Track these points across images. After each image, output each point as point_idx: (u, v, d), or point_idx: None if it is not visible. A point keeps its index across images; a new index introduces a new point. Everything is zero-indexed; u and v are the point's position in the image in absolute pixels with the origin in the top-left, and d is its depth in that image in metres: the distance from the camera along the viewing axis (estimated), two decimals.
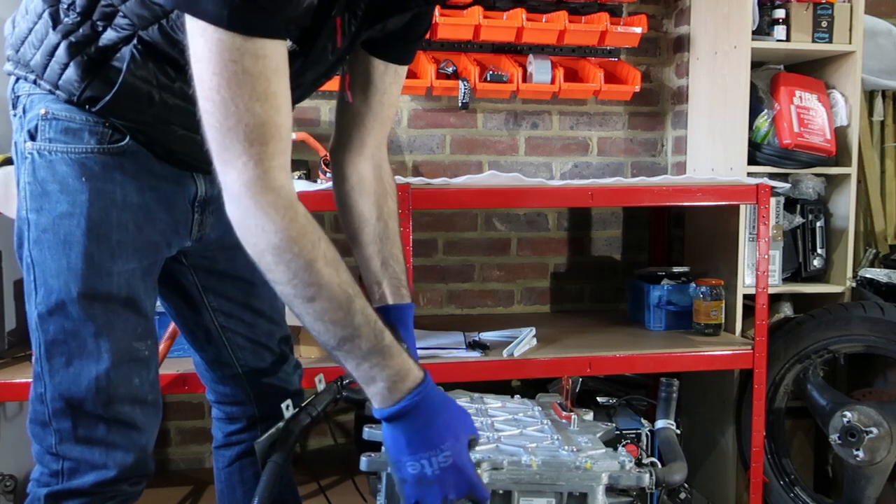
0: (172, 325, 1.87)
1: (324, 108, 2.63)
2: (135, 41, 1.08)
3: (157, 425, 1.25)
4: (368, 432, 1.20)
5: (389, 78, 1.31)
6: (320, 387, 1.21)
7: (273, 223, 0.95)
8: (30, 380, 1.83)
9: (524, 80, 2.57)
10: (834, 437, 2.21)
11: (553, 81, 2.56)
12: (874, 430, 2.14)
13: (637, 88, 2.61)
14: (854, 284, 2.49)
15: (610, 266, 2.87)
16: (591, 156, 2.83)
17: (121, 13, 1.08)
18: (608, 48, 2.68)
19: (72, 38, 1.10)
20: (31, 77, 1.15)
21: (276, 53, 0.95)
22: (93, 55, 1.10)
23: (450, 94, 2.60)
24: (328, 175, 1.81)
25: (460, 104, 2.51)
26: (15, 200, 1.83)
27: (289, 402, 1.17)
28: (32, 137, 1.14)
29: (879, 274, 2.49)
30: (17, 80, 1.18)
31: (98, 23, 1.09)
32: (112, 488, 1.17)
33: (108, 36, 1.09)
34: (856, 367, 2.50)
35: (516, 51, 2.63)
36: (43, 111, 1.13)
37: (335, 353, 1.01)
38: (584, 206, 2.76)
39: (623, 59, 2.74)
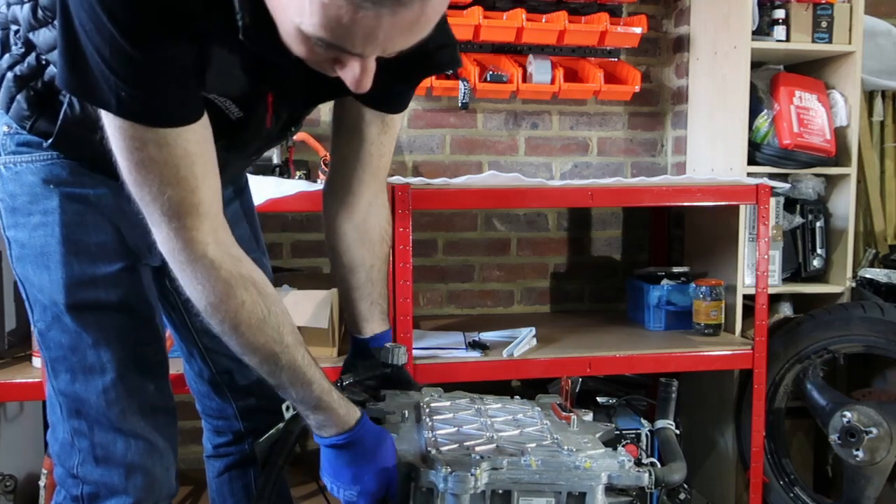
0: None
1: (324, 109, 2.63)
2: None
3: (177, 435, 1.23)
4: None
5: (376, 128, 1.24)
6: (287, 414, 1.21)
7: (196, 290, 0.99)
8: (30, 380, 1.86)
9: (524, 81, 2.57)
10: (834, 438, 2.21)
11: (553, 81, 2.56)
12: (874, 430, 2.14)
13: (637, 88, 2.61)
14: (854, 284, 2.49)
15: (610, 266, 2.87)
16: (591, 156, 2.83)
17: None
18: (608, 48, 2.68)
19: (16, 71, 1.06)
20: None
21: (181, 140, 0.93)
22: (39, 90, 1.06)
23: (450, 94, 2.60)
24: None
25: (460, 104, 2.51)
26: None
27: (288, 402, 1.17)
28: None
29: (879, 274, 2.49)
30: None
31: (42, 56, 1.05)
32: None
33: (51, 71, 1.05)
34: (855, 367, 2.50)
35: (516, 51, 2.63)
36: (5, 128, 1.10)
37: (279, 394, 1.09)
38: (584, 206, 2.76)
39: (623, 60, 2.74)
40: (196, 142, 0.95)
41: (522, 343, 2.14)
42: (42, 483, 1.85)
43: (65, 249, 1.10)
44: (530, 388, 2.46)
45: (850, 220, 2.49)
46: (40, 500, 1.88)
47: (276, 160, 2.27)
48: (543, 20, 2.57)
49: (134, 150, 0.92)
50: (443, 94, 2.65)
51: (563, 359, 2.11)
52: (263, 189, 1.89)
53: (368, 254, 1.33)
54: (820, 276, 2.57)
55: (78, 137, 1.07)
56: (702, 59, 2.64)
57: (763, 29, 2.42)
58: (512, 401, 1.41)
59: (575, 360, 2.11)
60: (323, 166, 2.25)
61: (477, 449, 1.11)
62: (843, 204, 2.52)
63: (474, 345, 2.15)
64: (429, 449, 1.09)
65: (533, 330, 2.25)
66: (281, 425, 1.14)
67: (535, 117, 2.77)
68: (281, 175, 2.28)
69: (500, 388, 1.66)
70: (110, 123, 0.92)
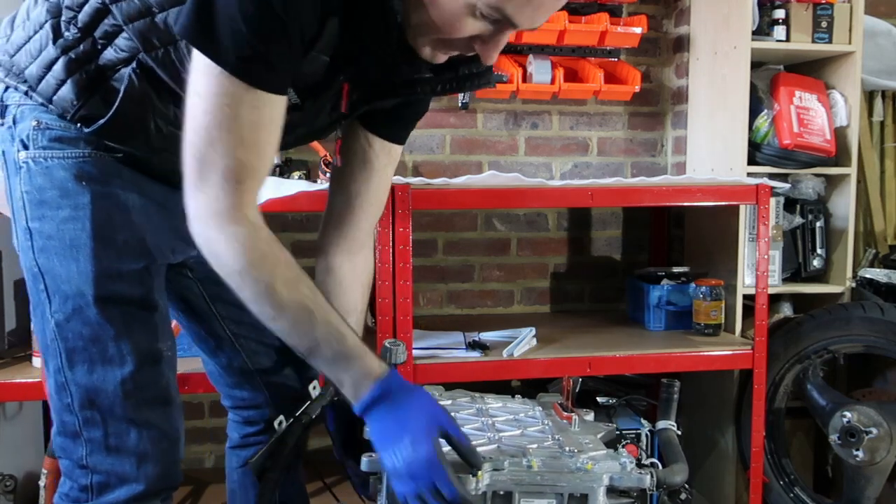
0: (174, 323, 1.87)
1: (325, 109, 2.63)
2: (134, 64, 1.07)
3: (183, 428, 1.24)
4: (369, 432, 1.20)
5: (384, 158, 1.31)
6: (314, 393, 1.21)
7: (234, 250, 1.00)
8: (30, 380, 1.85)
9: (524, 81, 2.57)
10: (834, 438, 2.21)
11: (553, 81, 2.56)
12: (874, 430, 2.14)
13: (637, 88, 2.61)
14: (854, 284, 2.50)
15: (610, 266, 2.87)
16: (591, 156, 2.83)
17: (125, 34, 1.06)
18: (608, 48, 2.68)
19: (71, 55, 1.08)
20: (23, 88, 1.12)
21: (272, 107, 0.98)
22: (91, 73, 1.08)
23: (449, 94, 2.60)
24: (327, 175, 1.81)
25: (460, 104, 2.51)
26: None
27: (315, 383, 1.22)
28: (25, 147, 1.12)
29: (879, 274, 2.49)
30: (7, 88, 1.15)
31: (99, 41, 1.08)
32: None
33: (108, 55, 1.08)
34: (855, 367, 2.51)
35: (516, 51, 2.63)
36: (35, 122, 1.12)
37: (308, 360, 1.07)
38: (584, 206, 2.76)
39: (623, 60, 2.74)
40: (278, 112, 1.00)
41: (522, 343, 2.14)
42: (42, 483, 1.85)
43: (94, 243, 1.12)
44: (530, 388, 2.46)
45: (850, 220, 2.50)
46: (40, 500, 1.88)
47: (276, 160, 2.27)
48: None
49: (224, 107, 0.95)
50: None
51: (563, 359, 2.11)
52: (263, 189, 1.88)
53: (361, 299, 1.36)
54: (820, 276, 2.57)
55: (131, 121, 1.09)
56: (702, 59, 2.63)
57: (763, 29, 2.42)
58: (513, 400, 1.41)
59: (575, 360, 2.11)
60: (323, 166, 2.25)
61: (478, 450, 1.11)
62: (843, 204, 2.52)
63: (474, 345, 2.15)
64: None
65: (533, 330, 2.25)
66: (274, 438, 1.15)
67: (535, 117, 2.77)
68: (282, 175, 2.28)
69: (500, 388, 1.65)
70: (209, 80, 0.94)
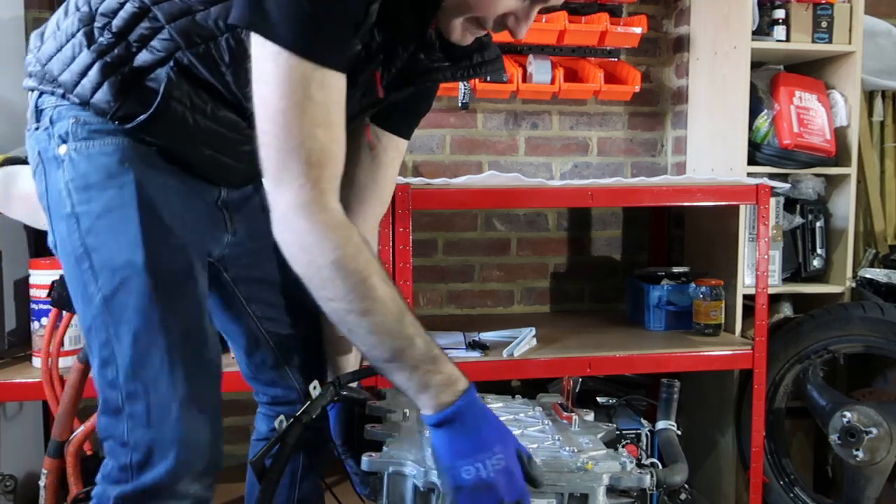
0: None
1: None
2: (172, 63, 1.08)
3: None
4: (369, 432, 1.20)
5: (392, 153, 1.33)
6: (314, 393, 1.21)
7: (331, 241, 0.98)
8: (30, 380, 1.85)
9: (524, 81, 2.57)
10: (834, 438, 2.21)
11: (553, 81, 2.56)
12: (874, 430, 2.14)
13: (637, 89, 2.61)
14: (854, 284, 2.50)
15: (610, 266, 2.87)
16: (591, 156, 2.83)
17: (161, 35, 1.08)
18: (608, 48, 2.68)
19: (107, 59, 1.10)
20: (59, 91, 1.14)
21: (339, 85, 0.99)
22: (127, 75, 1.10)
23: (450, 94, 2.60)
24: None
25: (460, 104, 2.51)
26: (15, 200, 1.83)
27: (316, 381, 1.20)
28: (64, 141, 1.14)
29: (879, 274, 2.49)
30: (41, 94, 1.17)
31: (133, 44, 1.10)
32: (183, 486, 1.13)
33: (143, 57, 1.10)
34: (855, 367, 2.51)
35: (516, 51, 2.63)
36: (74, 119, 1.13)
37: (389, 367, 1.03)
38: (584, 206, 2.76)
39: (623, 60, 2.74)
40: (342, 91, 1.00)
41: (522, 343, 2.14)
42: (42, 483, 1.85)
43: (142, 215, 1.12)
44: (530, 388, 2.46)
45: (850, 220, 2.50)
46: (40, 500, 1.87)
47: None
48: (543, 20, 2.57)
49: (297, 90, 0.95)
50: (443, 94, 2.64)
51: (563, 359, 2.11)
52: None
53: None
54: (820, 276, 2.57)
55: (169, 117, 1.10)
56: (702, 59, 2.64)
57: (763, 29, 2.42)
58: (513, 400, 1.41)
59: (575, 360, 2.11)
60: None
61: None
62: (843, 204, 2.52)
63: (474, 345, 2.15)
64: (430, 448, 1.09)
65: (533, 330, 2.25)
66: (274, 438, 1.14)
67: (535, 117, 2.77)
68: None
69: (500, 388, 1.66)
70: (278, 65, 0.95)
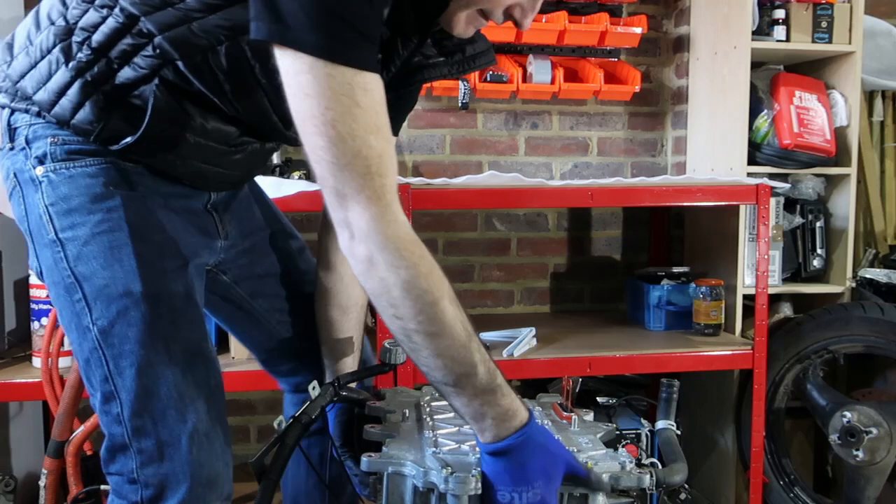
0: None
1: None
2: (156, 80, 1.04)
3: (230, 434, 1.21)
4: (368, 432, 1.20)
5: None
6: (313, 393, 1.20)
7: (404, 259, 0.94)
8: (30, 380, 1.86)
9: (524, 81, 2.57)
10: (834, 437, 2.21)
11: (553, 82, 2.56)
12: (874, 430, 2.14)
13: (637, 89, 2.62)
14: (854, 284, 2.50)
15: (610, 266, 2.87)
16: (591, 156, 2.83)
17: (145, 52, 1.03)
18: (608, 48, 2.68)
19: (87, 77, 1.04)
20: (34, 109, 1.09)
21: (379, 87, 0.94)
22: (109, 93, 1.05)
23: (450, 94, 2.60)
24: None
25: (460, 104, 2.51)
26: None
27: (315, 382, 1.19)
28: (42, 162, 1.08)
29: (879, 274, 2.49)
30: (13, 112, 1.11)
31: (115, 60, 1.04)
32: None
33: (126, 74, 1.05)
34: (856, 367, 2.51)
35: (516, 51, 2.63)
36: (52, 139, 1.08)
37: (447, 389, 1.01)
38: (584, 206, 2.76)
39: (623, 60, 2.74)
40: (383, 93, 0.96)
41: (522, 343, 2.14)
42: (42, 483, 1.85)
43: (134, 242, 1.08)
44: (530, 388, 2.46)
45: (850, 220, 2.50)
46: (40, 501, 1.87)
47: (276, 160, 2.27)
48: (543, 20, 2.57)
49: (341, 98, 0.90)
50: (443, 94, 2.65)
51: (563, 359, 2.11)
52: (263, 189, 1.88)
53: (361, 294, 1.34)
54: (820, 276, 2.57)
55: (159, 138, 1.07)
56: (702, 59, 2.64)
57: (763, 29, 2.42)
58: None
59: (575, 360, 2.11)
60: None
61: (477, 449, 1.10)
62: (843, 204, 2.52)
63: None
64: (429, 449, 1.09)
65: (533, 330, 2.25)
66: (274, 438, 1.14)
67: (535, 117, 2.77)
68: (282, 175, 2.28)
69: None
70: (315, 76, 0.90)
